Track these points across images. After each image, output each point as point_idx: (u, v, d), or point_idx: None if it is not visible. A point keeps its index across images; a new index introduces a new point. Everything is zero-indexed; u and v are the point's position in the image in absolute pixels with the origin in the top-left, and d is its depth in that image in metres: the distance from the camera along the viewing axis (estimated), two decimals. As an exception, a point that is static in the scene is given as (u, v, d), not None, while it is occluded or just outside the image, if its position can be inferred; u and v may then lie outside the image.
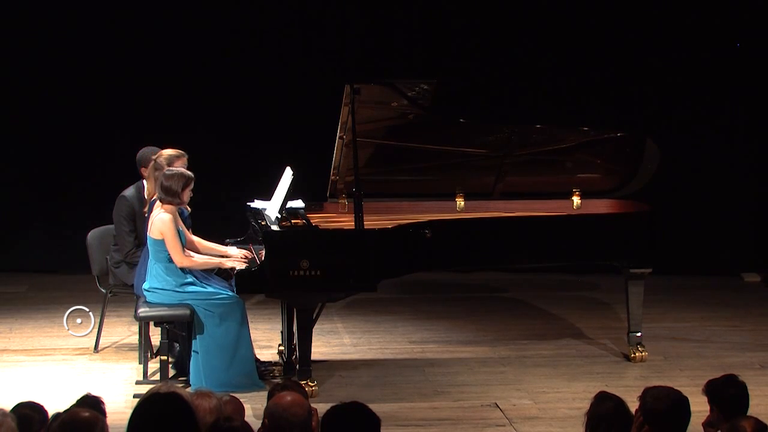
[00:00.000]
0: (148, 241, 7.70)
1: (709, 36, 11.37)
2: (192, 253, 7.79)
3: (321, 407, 4.96)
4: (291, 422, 4.56)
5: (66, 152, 11.14)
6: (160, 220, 7.57)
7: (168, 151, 8.01)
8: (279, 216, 8.06)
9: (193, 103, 11.04)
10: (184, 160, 7.97)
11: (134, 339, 8.55)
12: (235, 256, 7.87)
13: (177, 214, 7.70)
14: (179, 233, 7.61)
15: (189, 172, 7.70)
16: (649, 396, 4.88)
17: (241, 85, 11.16)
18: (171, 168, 7.74)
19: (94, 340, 8.68)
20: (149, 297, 7.71)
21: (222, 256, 7.90)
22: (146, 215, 7.93)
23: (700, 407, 5.15)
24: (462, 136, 8.64)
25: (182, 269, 7.64)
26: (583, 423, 4.92)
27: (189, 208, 8.00)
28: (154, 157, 8.02)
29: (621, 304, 8.85)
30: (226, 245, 8.16)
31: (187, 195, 7.66)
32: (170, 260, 7.61)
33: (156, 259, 7.65)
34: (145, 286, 7.73)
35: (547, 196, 8.85)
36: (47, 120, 11.15)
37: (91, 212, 9.65)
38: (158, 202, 7.68)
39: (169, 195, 7.58)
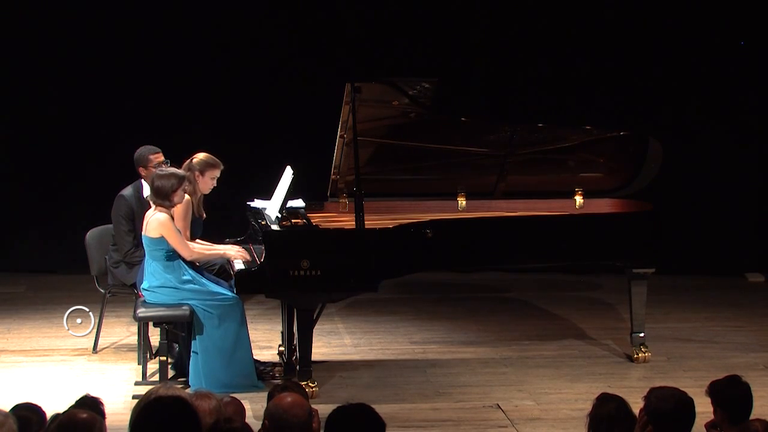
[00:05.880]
0: (143, 240, 7.66)
1: (713, 34, 11.34)
2: (194, 245, 7.79)
3: (321, 408, 4.94)
4: (291, 423, 4.53)
5: (64, 152, 11.10)
6: (157, 221, 7.52)
7: (203, 156, 7.93)
8: (279, 215, 8.02)
9: (192, 103, 11.01)
10: (217, 171, 7.90)
11: (133, 339, 8.51)
12: (231, 252, 7.85)
13: (189, 211, 7.69)
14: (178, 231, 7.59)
15: (182, 172, 7.64)
16: (654, 396, 4.86)
17: (241, 84, 11.13)
18: (163, 168, 7.69)
19: (93, 341, 8.64)
20: (148, 297, 7.68)
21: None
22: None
23: (703, 408, 5.11)
24: (464, 135, 8.61)
25: (179, 267, 7.61)
26: (585, 424, 4.91)
27: (204, 214, 7.98)
28: (189, 159, 7.95)
29: (624, 304, 8.81)
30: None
31: (178, 196, 7.56)
32: (168, 258, 7.57)
33: (152, 257, 7.61)
34: (144, 285, 7.69)
35: (549, 195, 8.81)
36: (45, 119, 11.11)
37: (89, 212, 9.63)
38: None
39: (159, 197, 7.51)
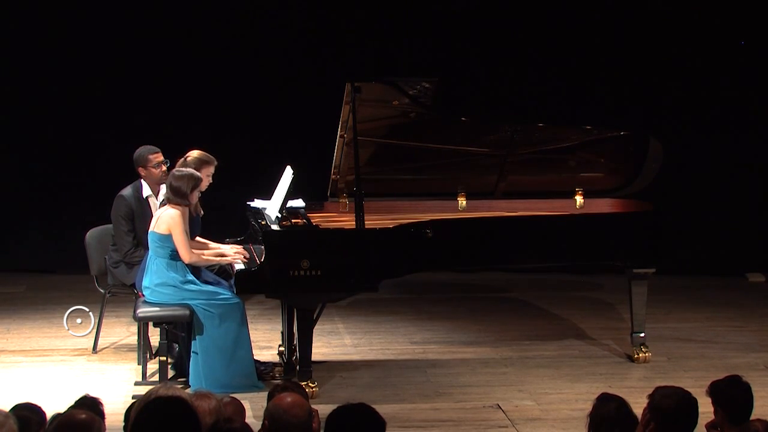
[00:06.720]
0: (149, 236, 7.66)
1: (714, 34, 11.33)
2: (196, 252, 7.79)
3: (321, 408, 4.93)
4: (291, 423, 4.52)
5: (64, 152, 11.09)
6: (169, 216, 7.57)
7: (197, 154, 7.94)
8: (279, 215, 8.01)
9: (192, 102, 11.00)
10: (212, 168, 7.92)
11: (133, 339, 8.50)
12: (230, 254, 7.84)
13: (186, 213, 7.69)
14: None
15: (198, 173, 7.69)
16: (659, 394, 4.88)
17: (241, 83, 11.12)
18: (180, 169, 7.71)
19: (93, 341, 8.63)
20: (149, 295, 7.68)
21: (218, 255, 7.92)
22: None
23: (704, 408, 5.09)
24: (464, 135, 8.60)
25: (183, 266, 7.61)
26: (586, 424, 4.89)
27: (202, 211, 7.99)
28: (183, 158, 7.97)
29: (624, 304, 8.80)
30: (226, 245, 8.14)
31: (195, 196, 7.66)
32: (172, 256, 7.59)
33: (157, 254, 7.62)
34: (145, 283, 7.69)
35: (549, 195, 8.81)
36: (45, 119, 11.10)
37: (89, 212, 9.61)
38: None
39: (177, 196, 7.57)
